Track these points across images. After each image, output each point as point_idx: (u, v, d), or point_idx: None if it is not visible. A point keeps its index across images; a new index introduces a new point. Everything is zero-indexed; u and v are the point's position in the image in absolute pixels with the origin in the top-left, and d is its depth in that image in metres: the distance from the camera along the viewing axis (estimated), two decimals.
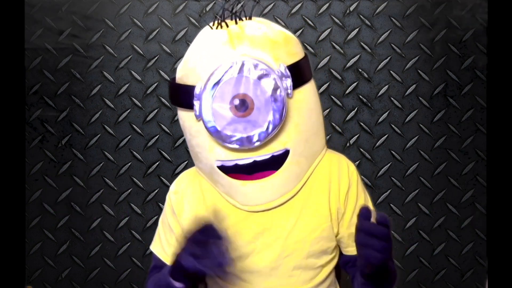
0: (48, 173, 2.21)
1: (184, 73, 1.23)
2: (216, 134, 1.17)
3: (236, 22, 1.24)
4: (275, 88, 1.16)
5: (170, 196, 1.35)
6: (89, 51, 2.18)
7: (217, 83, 1.15)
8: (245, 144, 1.17)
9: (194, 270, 1.11)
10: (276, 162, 1.22)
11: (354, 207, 1.30)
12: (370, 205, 1.33)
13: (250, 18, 1.26)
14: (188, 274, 1.14)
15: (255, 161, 1.21)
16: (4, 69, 1.15)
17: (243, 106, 1.16)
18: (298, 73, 1.21)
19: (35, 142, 2.20)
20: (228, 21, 1.25)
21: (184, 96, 1.21)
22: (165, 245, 1.35)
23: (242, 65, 1.15)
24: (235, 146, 1.18)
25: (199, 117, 1.19)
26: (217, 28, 1.24)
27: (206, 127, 1.18)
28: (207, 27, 1.26)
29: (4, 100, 1.14)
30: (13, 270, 1.12)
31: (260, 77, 1.15)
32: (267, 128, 1.17)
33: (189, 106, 1.20)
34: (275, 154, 1.21)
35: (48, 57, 2.18)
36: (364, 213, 1.09)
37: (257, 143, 1.18)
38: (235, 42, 1.19)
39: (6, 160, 1.14)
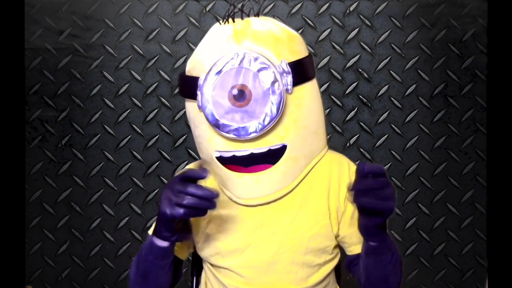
0: (48, 173, 2.21)
1: (192, 65, 1.26)
2: (214, 122, 1.20)
3: (242, 19, 1.27)
4: (274, 82, 1.19)
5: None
6: (89, 51, 2.18)
7: (218, 73, 1.19)
8: (242, 134, 1.20)
9: (181, 217, 1.13)
10: (273, 156, 1.24)
11: (355, 207, 1.30)
12: None
13: (257, 16, 1.30)
14: (175, 225, 1.17)
15: (252, 153, 1.23)
16: (4, 69, 1.15)
17: (242, 96, 1.19)
18: (300, 71, 1.23)
19: (35, 142, 2.20)
20: (237, 18, 1.28)
21: (189, 87, 1.25)
22: None
23: (243, 57, 1.19)
24: (232, 136, 1.20)
25: (200, 107, 1.22)
26: (224, 23, 1.27)
27: (205, 115, 1.21)
28: (217, 24, 1.30)
29: (4, 100, 1.14)
30: (13, 270, 1.12)
31: (259, 70, 1.18)
32: (264, 120, 1.19)
33: (194, 96, 1.23)
34: (272, 148, 1.23)
35: (48, 57, 2.18)
36: (360, 170, 1.10)
37: (253, 134, 1.20)
38: (240, 36, 1.22)
39: (6, 160, 1.14)
